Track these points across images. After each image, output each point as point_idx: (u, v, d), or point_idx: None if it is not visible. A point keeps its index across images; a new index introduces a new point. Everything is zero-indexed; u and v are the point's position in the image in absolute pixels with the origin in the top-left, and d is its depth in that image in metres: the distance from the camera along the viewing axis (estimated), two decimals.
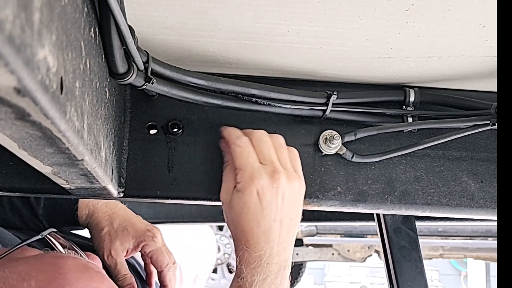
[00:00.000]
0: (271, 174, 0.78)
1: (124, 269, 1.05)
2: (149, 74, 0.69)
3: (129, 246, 1.07)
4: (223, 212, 0.83)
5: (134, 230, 1.07)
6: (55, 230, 0.92)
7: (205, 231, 1.90)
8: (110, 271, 1.06)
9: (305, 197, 0.86)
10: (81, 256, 0.84)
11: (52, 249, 0.85)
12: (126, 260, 1.09)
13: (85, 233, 1.17)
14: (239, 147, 0.80)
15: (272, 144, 0.81)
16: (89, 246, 1.09)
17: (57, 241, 0.88)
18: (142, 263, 1.18)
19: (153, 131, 0.86)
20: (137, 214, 1.15)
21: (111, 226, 1.07)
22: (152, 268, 1.12)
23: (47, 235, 0.87)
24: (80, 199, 1.08)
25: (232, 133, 0.82)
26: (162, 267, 1.09)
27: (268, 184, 0.77)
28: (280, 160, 0.80)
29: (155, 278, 1.13)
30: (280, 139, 0.83)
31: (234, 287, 0.80)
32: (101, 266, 0.87)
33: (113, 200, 1.09)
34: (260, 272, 0.78)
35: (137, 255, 1.17)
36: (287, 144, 0.86)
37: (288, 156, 0.82)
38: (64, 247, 0.87)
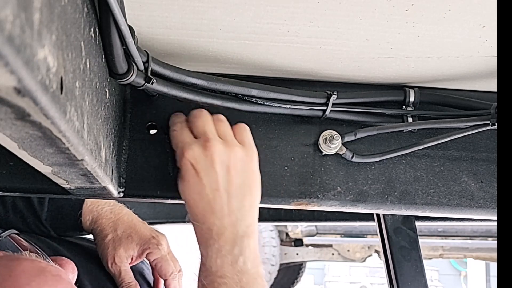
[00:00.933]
0: (203, 144, 0.76)
1: (129, 277, 1.03)
2: (149, 74, 0.69)
3: (134, 253, 1.05)
4: None
5: (139, 237, 1.05)
6: (16, 231, 0.90)
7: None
8: (114, 279, 1.04)
9: (305, 197, 0.86)
10: (45, 259, 0.82)
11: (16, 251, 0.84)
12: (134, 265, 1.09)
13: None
14: (174, 131, 0.80)
15: (211, 119, 0.80)
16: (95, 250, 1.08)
17: (17, 243, 0.87)
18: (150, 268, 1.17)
19: (153, 131, 0.86)
20: (136, 214, 1.14)
21: (115, 233, 1.05)
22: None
23: (8, 236, 0.86)
24: (84, 204, 1.07)
25: (172, 119, 0.82)
26: (166, 275, 1.07)
27: (199, 153, 0.76)
28: (218, 132, 0.79)
29: (162, 285, 1.12)
30: (220, 116, 0.82)
31: (198, 267, 0.79)
32: (74, 271, 0.83)
33: (118, 206, 1.08)
34: (212, 245, 0.76)
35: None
36: (287, 144, 0.86)
37: (232, 130, 0.81)
38: (25, 249, 0.85)
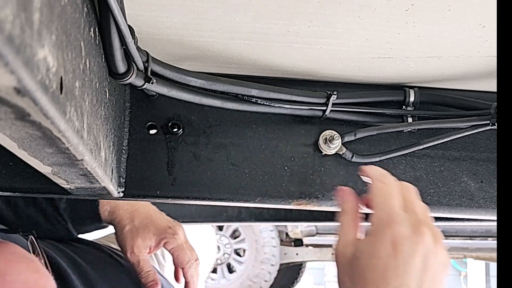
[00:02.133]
0: (414, 224, 0.64)
1: (147, 266, 1.06)
2: (149, 74, 0.69)
3: (151, 243, 1.08)
4: (337, 271, 0.67)
5: (155, 228, 1.08)
6: (35, 235, 0.91)
7: (206, 230, 1.91)
8: (134, 268, 1.07)
9: (305, 197, 0.86)
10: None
11: None
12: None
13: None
14: (383, 184, 0.69)
15: (418, 198, 0.70)
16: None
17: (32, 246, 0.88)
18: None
19: (153, 131, 0.86)
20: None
21: (133, 223, 1.08)
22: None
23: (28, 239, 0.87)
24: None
25: (377, 170, 0.72)
26: (183, 264, 1.10)
27: (408, 235, 0.63)
28: (425, 217, 0.68)
29: (180, 273, 1.13)
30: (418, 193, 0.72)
31: None
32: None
33: None
34: None
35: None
36: (287, 144, 0.86)
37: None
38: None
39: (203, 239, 1.81)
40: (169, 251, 1.11)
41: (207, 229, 1.93)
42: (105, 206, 1.10)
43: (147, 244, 1.07)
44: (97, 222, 1.12)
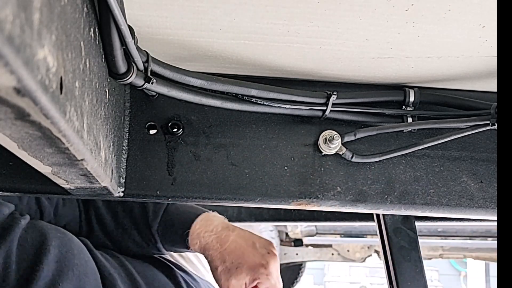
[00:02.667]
0: None
1: None
2: (148, 74, 0.69)
3: (246, 281, 1.08)
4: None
5: (248, 267, 1.07)
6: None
7: None
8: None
9: (305, 197, 0.86)
10: None
11: None
12: None
13: None
14: None
15: None
16: None
17: None
18: None
19: (153, 131, 0.86)
20: None
21: (224, 264, 1.08)
22: None
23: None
24: (193, 225, 1.11)
25: None
26: None
27: None
28: None
29: None
30: None
31: None
32: None
33: (224, 233, 1.10)
34: None
35: None
36: (287, 144, 0.86)
37: None
38: None
39: None
40: None
41: None
42: (195, 240, 1.10)
43: (241, 284, 1.07)
44: (186, 249, 1.14)
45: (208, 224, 1.11)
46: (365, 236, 4.35)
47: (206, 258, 1.11)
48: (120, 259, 1.11)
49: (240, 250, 1.09)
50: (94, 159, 0.55)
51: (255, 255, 1.09)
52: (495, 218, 0.90)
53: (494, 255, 4.04)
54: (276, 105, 0.82)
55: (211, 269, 1.11)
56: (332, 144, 0.86)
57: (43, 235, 0.96)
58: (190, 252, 1.21)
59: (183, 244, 1.11)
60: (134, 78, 0.66)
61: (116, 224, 1.14)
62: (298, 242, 4.48)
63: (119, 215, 1.14)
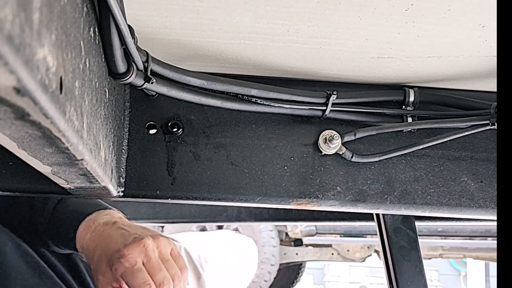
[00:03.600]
0: None
1: None
2: (148, 74, 0.69)
3: (110, 275, 0.92)
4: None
5: (106, 258, 0.92)
6: None
7: (246, 243, 1.81)
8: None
9: (304, 197, 0.86)
10: None
11: None
12: None
13: None
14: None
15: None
16: None
17: None
18: None
19: (152, 131, 0.86)
20: (137, 214, 1.11)
21: (94, 262, 0.96)
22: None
23: None
24: (81, 225, 0.98)
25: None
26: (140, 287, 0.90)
27: None
28: None
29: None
30: None
31: None
32: None
33: (102, 229, 0.97)
34: None
35: None
36: (287, 144, 0.87)
37: None
38: None
39: (241, 253, 1.71)
40: (121, 277, 0.92)
41: (248, 243, 1.83)
42: (80, 240, 0.98)
43: (107, 277, 0.91)
44: (75, 250, 1.02)
45: (91, 223, 0.98)
46: (365, 236, 4.35)
47: (87, 260, 0.99)
48: None
49: (102, 242, 0.95)
50: (94, 159, 0.55)
51: (114, 242, 0.93)
52: (495, 218, 0.90)
53: (494, 255, 4.05)
54: (276, 105, 0.82)
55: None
56: (332, 144, 0.86)
57: None
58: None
59: (71, 248, 1.01)
60: (134, 78, 0.66)
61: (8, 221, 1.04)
62: (298, 242, 4.49)
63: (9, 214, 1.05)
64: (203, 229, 3.84)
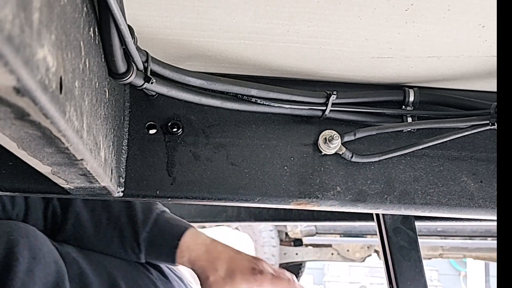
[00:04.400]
0: None
1: None
2: (148, 74, 0.69)
3: (250, 284, 1.08)
4: None
5: (241, 274, 1.08)
6: None
7: (242, 239, 1.90)
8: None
9: (304, 197, 0.86)
10: None
11: None
12: None
13: None
14: None
15: None
16: None
17: None
18: None
19: (152, 131, 0.86)
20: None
21: (217, 274, 1.08)
22: None
23: None
24: (183, 238, 1.10)
25: None
26: None
27: None
28: None
29: None
30: None
31: None
32: None
33: (213, 244, 1.11)
34: None
35: None
36: (287, 144, 0.86)
37: None
38: None
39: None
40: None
41: (244, 238, 1.91)
42: (184, 252, 1.10)
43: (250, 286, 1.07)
44: (171, 262, 1.13)
45: (197, 238, 1.11)
46: (364, 236, 4.35)
47: (196, 270, 1.10)
48: (91, 255, 1.09)
49: (231, 259, 1.10)
50: (94, 159, 0.55)
51: (244, 261, 1.10)
52: (495, 218, 0.90)
53: (494, 255, 4.05)
54: (276, 105, 0.82)
55: (200, 281, 1.10)
56: (331, 144, 0.86)
57: (10, 227, 0.95)
58: (172, 265, 1.19)
59: (169, 257, 1.10)
60: (133, 78, 0.66)
61: (96, 230, 1.12)
62: (298, 242, 4.49)
63: (103, 223, 1.11)
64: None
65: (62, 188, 0.69)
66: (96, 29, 0.54)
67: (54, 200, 1.13)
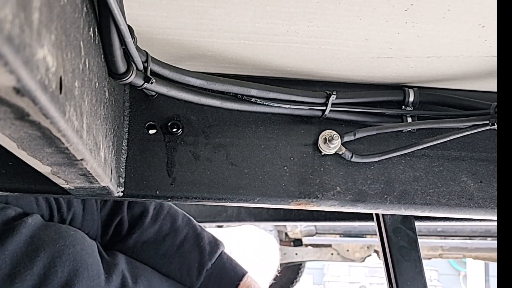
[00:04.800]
0: None
1: None
2: (148, 74, 0.69)
3: None
4: None
5: None
6: None
7: (268, 240, 1.93)
8: None
9: (304, 197, 0.86)
10: None
11: None
12: None
13: None
14: None
15: None
16: None
17: None
18: None
19: (152, 131, 0.86)
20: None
21: None
22: None
23: None
24: (244, 277, 1.12)
25: None
26: None
27: None
28: None
29: None
30: None
31: None
32: None
33: None
34: None
35: None
36: (286, 144, 0.86)
37: None
38: None
39: (264, 248, 1.85)
40: None
41: (270, 239, 1.92)
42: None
43: None
44: None
45: (254, 283, 1.14)
46: (364, 236, 4.35)
47: None
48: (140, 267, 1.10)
49: None
50: (94, 159, 0.55)
51: None
52: (494, 218, 0.90)
53: (494, 255, 4.05)
54: (276, 105, 0.82)
55: None
56: (331, 144, 0.86)
57: (58, 234, 0.95)
58: None
59: None
60: (133, 78, 0.66)
61: (158, 250, 1.14)
62: (297, 242, 4.48)
63: (166, 243, 1.13)
64: None
65: (62, 188, 0.69)
66: (96, 29, 0.54)
67: (124, 212, 1.15)
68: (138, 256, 1.13)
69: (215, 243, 1.15)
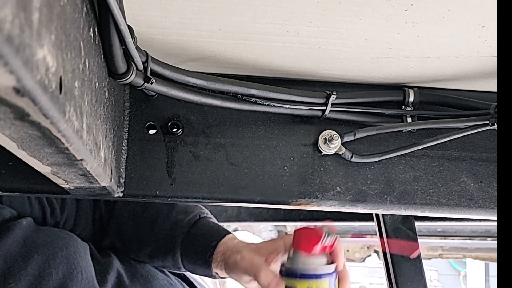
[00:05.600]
0: None
1: None
2: (148, 74, 0.69)
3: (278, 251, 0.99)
4: None
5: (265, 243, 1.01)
6: None
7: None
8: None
9: (304, 197, 0.86)
10: None
11: None
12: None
13: None
14: None
15: None
16: None
17: None
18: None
19: (152, 131, 0.86)
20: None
21: (241, 254, 0.99)
22: None
23: None
24: (221, 241, 1.04)
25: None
26: None
27: None
28: None
29: None
30: None
31: None
32: None
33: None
34: None
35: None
36: (286, 144, 0.86)
37: None
38: None
39: None
40: None
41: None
42: (220, 252, 1.04)
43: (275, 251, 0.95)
44: (207, 268, 1.05)
45: (233, 239, 1.06)
46: (364, 236, 4.35)
47: (228, 266, 1.02)
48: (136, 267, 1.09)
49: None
50: (94, 159, 0.55)
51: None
52: (494, 218, 0.90)
53: (494, 255, 4.04)
54: (276, 105, 0.82)
55: (234, 269, 1.00)
56: (331, 144, 0.86)
57: (50, 237, 0.95)
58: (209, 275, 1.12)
59: (204, 260, 1.05)
60: (133, 78, 0.66)
61: (135, 234, 1.12)
62: None
63: (142, 224, 1.11)
64: None
65: (62, 188, 0.69)
66: (96, 29, 0.54)
67: (101, 203, 1.13)
68: (122, 245, 1.12)
69: (190, 211, 1.10)
